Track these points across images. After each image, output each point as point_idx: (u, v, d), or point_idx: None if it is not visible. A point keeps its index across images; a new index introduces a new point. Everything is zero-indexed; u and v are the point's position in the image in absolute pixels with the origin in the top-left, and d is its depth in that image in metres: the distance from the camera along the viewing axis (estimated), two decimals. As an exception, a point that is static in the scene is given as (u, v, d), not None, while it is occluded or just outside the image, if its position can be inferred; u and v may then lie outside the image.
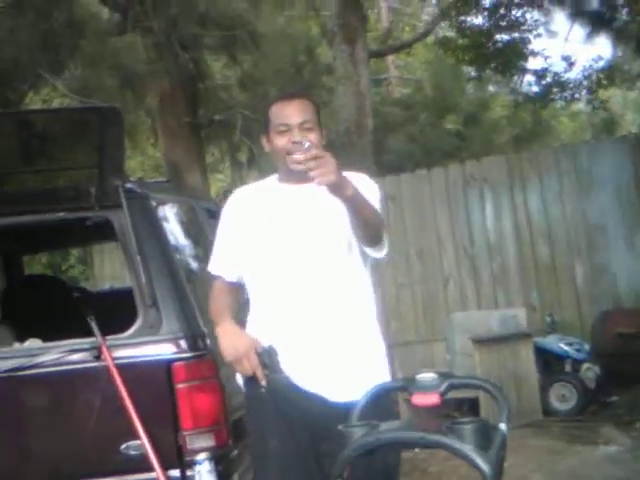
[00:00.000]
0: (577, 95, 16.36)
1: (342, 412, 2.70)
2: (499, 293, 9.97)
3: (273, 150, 3.07)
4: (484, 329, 8.41)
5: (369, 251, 3.02)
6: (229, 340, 3.03)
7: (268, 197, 3.11)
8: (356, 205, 2.82)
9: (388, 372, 3.08)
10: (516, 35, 14.92)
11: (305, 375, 2.96)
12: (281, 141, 3.00)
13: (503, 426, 2.29)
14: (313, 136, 2.99)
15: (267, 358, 2.96)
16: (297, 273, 2.99)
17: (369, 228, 2.93)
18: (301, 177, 2.99)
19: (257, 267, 3.07)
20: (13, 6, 8.95)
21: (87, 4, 10.80)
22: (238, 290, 3.20)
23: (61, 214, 4.05)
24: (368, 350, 3.05)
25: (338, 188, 2.74)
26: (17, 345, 4.13)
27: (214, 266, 3.20)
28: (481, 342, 8.00)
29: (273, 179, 3.17)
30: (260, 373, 2.95)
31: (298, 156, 2.90)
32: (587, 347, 8.50)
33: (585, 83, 15.99)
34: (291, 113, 3.02)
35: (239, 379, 3.13)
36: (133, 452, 3.70)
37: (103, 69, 9.48)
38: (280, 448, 2.96)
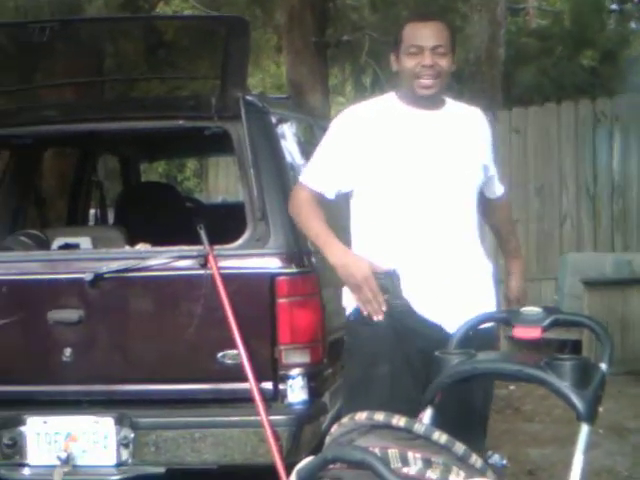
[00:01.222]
0: None
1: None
2: (617, 236, 9.73)
3: (401, 71, 3.02)
4: (596, 272, 8.28)
5: None
6: (345, 265, 2.97)
7: (394, 118, 3.05)
8: None
9: (495, 307, 3.08)
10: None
11: (425, 303, 2.95)
12: (411, 63, 2.95)
13: (604, 366, 2.25)
14: (444, 62, 2.96)
15: (390, 283, 2.93)
16: (428, 200, 2.97)
17: None
18: (425, 103, 3.01)
19: (380, 188, 3.02)
20: None
21: None
22: (327, 207, 3.16)
23: (180, 122, 4.08)
24: (483, 283, 3.06)
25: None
26: (127, 248, 4.24)
27: (311, 178, 3.13)
28: (592, 284, 7.90)
29: (393, 99, 3.11)
30: (380, 300, 2.90)
31: (426, 80, 2.92)
32: None
33: None
34: (425, 35, 2.96)
35: (346, 301, 3.11)
36: (229, 361, 3.78)
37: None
38: (392, 374, 2.94)
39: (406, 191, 2.98)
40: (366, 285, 2.90)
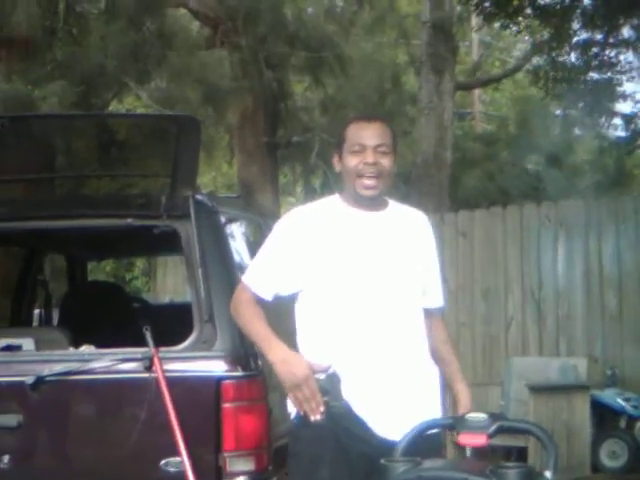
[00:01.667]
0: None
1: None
2: (562, 341, 9.77)
3: (343, 170, 3.04)
4: (542, 377, 8.34)
5: None
6: (286, 364, 2.94)
7: (336, 219, 3.06)
8: None
9: (441, 412, 3.04)
10: (608, 75, 14.76)
11: (365, 406, 2.91)
12: (354, 161, 2.98)
13: (549, 474, 2.27)
14: (386, 161, 2.98)
15: (329, 384, 2.90)
16: (369, 302, 2.95)
17: None
18: (367, 203, 3.02)
19: (322, 290, 3.01)
20: (106, 12, 9.16)
21: (179, 16, 11.05)
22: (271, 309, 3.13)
23: (129, 220, 4.06)
24: (427, 389, 3.03)
25: None
26: (71, 349, 4.13)
27: (252, 279, 3.11)
28: (537, 390, 7.93)
29: (337, 200, 3.12)
30: (319, 399, 2.87)
31: (368, 181, 2.94)
32: (645, 404, 8.36)
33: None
34: (369, 134, 3.00)
35: (290, 404, 3.05)
36: (172, 469, 3.68)
37: (188, 82, 9.65)
38: (333, 478, 2.90)
39: (347, 293, 2.96)
40: (305, 384, 2.88)
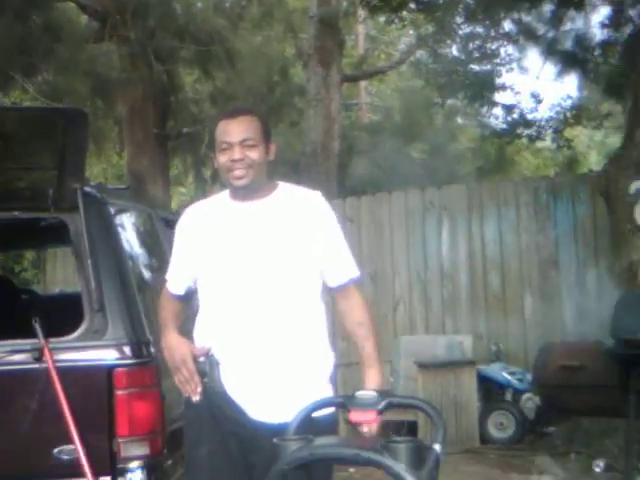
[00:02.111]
0: (543, 134, 16.62)
1: (270, 429, 2.79)
2: (447, 320, 10.05)
3: (218, 167, 3.12)
4: (429, 354, 8.53)
5: None
6: (169, 349, 3.13)
7: (219, 213, 3.15)
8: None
9: (331, 392, 3.10)
10: (488, 67, 15.15)
11: (237, 389, 3.01)
12: (223, 158, 3.04)
13: (438, 447, 2.29)
14: (254, 154, 3.03)
15: (209, 367, 3.03)
16: (246, 290, 3.02)
17: None
18: (244, 194, 3.10)
19: (206, 280, 3.12)
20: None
21: (66, 10, 10.88)
22: (184, 302, 3.28)
23: (15, 213, 4.07)
24: (310, 373, 3.06)
25: None
26: (-42, 342, 4.08)
27: (168, 277, 3.30)
28: (425, 367, 8.14)
29: (225, 195, 3.20)
30: (196, 380, 3.01)
31: (238, 172, 3.01)
32: (529, 377, 8.63)
33: (552, 121, 16.23)
34: (232, 130, 3.04)
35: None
36: (66, 457, 3.70)
37: (76, 75, 9.50)
38: (210, 456, 3.00)
39: (224, 282, 3.06)
40: (183, 366, 3.04)
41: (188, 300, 3.28)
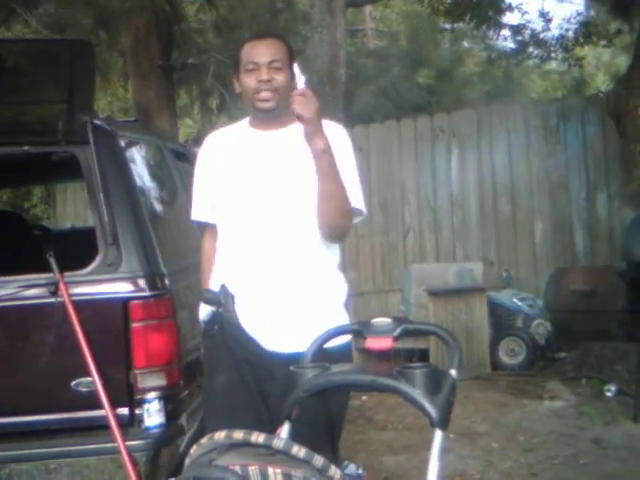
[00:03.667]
0: (553, 53, 16.40)
1: (284, 358, 2.80)
2: (458, 247, 10.12)
3: (242, 90, 3.05)
4: (440, 282, 8.57)
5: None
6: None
7: (239, 141, 3.11)
8: (324, 165, 2.84)
9: (347, 319, 3.07)
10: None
11: (252, 321, 3.00)
12: (249, 80, 2.99)
13: (454, 372, 2.28)
14: (281, 77, 2.98)
15: (222, 297, 3.03)
16: (262, 220, 2.99)
17: (332, 209, 2.90)
18: (266, 121, 3.05)
19: (223, 208, 3.09)
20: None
21: (61, -61, 10.67)
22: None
23: (25, 147, 4.02)
24: (324, 302, 3.05)
25: (312, 133, 2.80)
26: (-26, 279, 4.09)
27: (196, 213, 3.23)
28: (436, 294, 8.17)
29: (244, 123, 3.16)
30: None
31: (264, 94, 2.97)
32: (540, 303, 8.69)
33: (561, 41, 16.00)
34: (260, 52, 3.00)
35: (200, 316, 3.19)
36: (84, 389, 3.72)
37: (78, 6, 9.38)
38: (227, 384, 3.01)
39: (244, 213, 3.03)
40: None
41: None
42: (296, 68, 2.91)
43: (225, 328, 3.05)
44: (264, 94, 2.97)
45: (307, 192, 2.97)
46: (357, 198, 3.04)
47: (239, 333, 3.03)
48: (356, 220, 3.07)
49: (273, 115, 3.03)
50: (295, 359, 2.61)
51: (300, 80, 2.85)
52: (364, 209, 3.08)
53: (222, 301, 3.04)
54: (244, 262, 3.04)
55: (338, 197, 2.91)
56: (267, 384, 2.95)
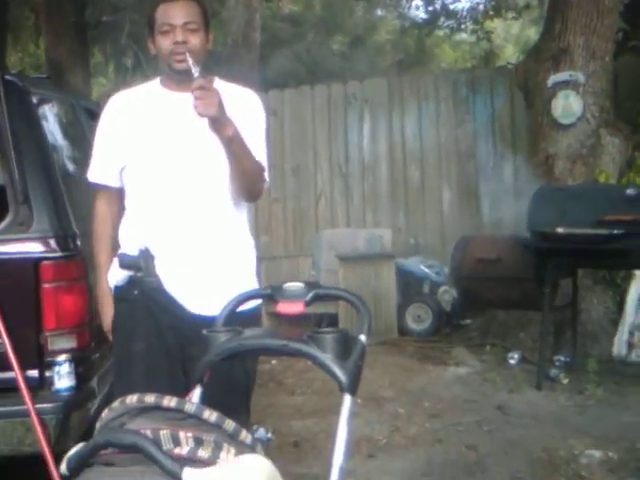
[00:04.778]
0: (463, 25, 16.61)
1: (209, 321, 2.73)
2: (368, 213, 10.20)
3: (157, 52, 3.02)
4: (350, 247, 8.65)
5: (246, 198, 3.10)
6: (100, 310, 3.23)
7: (150, 102, 3.08)
8: (234, 150, 2.88)
9: (256, 284, 3.10)
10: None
11: (174, 282, 2.99)
12: (164, 41, 2.96)
13: (363, 337, 2.29)
14: (196, 38, 2.98)
15: (142, 261, 2.99)
16: (178, 181, 2.98)
17: (246, 180, 2.99)
18: (179, 82, 3.02)
19: (135, 172, 3.05)
20: None
21: None
22: (121, 195, 3.17)
23: None
24: (238, 264, 3.08)
25: (218, 125, 2.82)
26: None
27: (94, 174, 3.17)
28: (346, 259, 8.27)
29: (155, 83, 3.13)
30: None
31: (180, 56, 2.93)
32: (447, 271, 8.82)
33: (471, 12, 16.21)
34: (175, 13, 2.96)
35: (111, 281, 3.14)
36: None
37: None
38: (147, 350, 2.99)
39: (158, 172, 3.01)
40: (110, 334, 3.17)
41: (121, 194, 3.18)
42: (189, 57, 2.90)
43: (146, 292, 3.01)
44: (179, 56, 2.95)
45: (218, 155, 2.98)
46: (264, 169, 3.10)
47: (162, 297, 3.00)
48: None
49: (188, 76, 2.98)
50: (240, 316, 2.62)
51: (195, 70, 2.83)
52: (267, 178, 3.12)
53: (142, 265, 3.00)
54: (161, 224, 3.01)
55: (250, 171, 2.98)
56: (192, 348, 2.89)
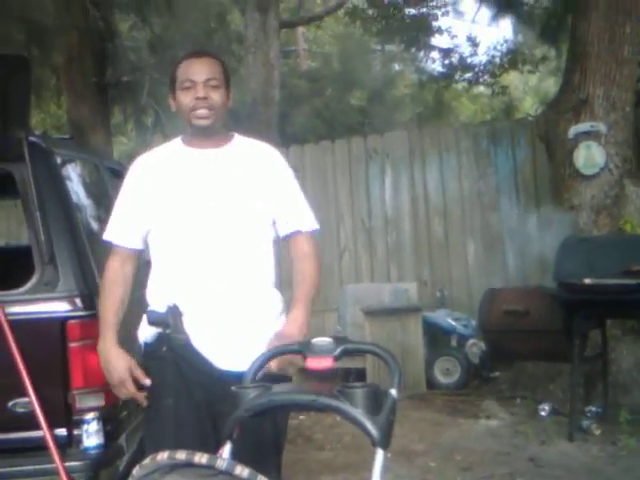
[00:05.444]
0: (480, 79, 16.72)
1: (237, 377, 2.70)
2: (392, 267, 10.15)
3: (178, 108, 3.06)
4: (375, 301, 8.58)
5: None
6: (107, 363, 3.06)
7: (173, 160, 3.10)
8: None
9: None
10: (424, 10, 15.16)
11: (202, 339, 2.98)
12: (186, 98, 3.01)
13: (394, 391, 2.28)
14: (217, 95, 3.02)
15: (171, 318, 2.98)
16: (207, 237, 2.99)
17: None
18: (202, 140, 3.06)
19: (161, 229, 3.06)
20: None
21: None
22: (136, 258, 3.19)
23: None
24: (266, 321, 3.06)
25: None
26: None
27: (112, 234, 3.16)
28: (372, 314, 8.18)
29: (178, 142, 3.16)
30: (139, 397, 3.03)
31: (201, 111, 2.98)
32: (474, 323, 8.75)
33: (488, 67, 16.34)
34: (197, 70, 3.03)
35: (140, 337, 3.12)
36: (21, 409, 3.69)
37: (10, 22, 9.27)
38: (176, 406, 2.97)
39: (182, 230, 3.02)
40: (122, 387, 3.04)
41: (137, 255, 3.19)
42: None
43: (175, 350, 3.00)
44: (201, 111, 2.99)
45: (245, 211, 3.02)
46: (309, 218, 3.20)
47: (190, 354, 2.99)
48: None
49: (209, 133, 3.06)
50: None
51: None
52: (316, 225, 3.22)
53: (170, 321, 2.99)
54: (189, 281, 3.01)
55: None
56: (220, 404, 2.85)
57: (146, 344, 3.11)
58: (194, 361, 2.98)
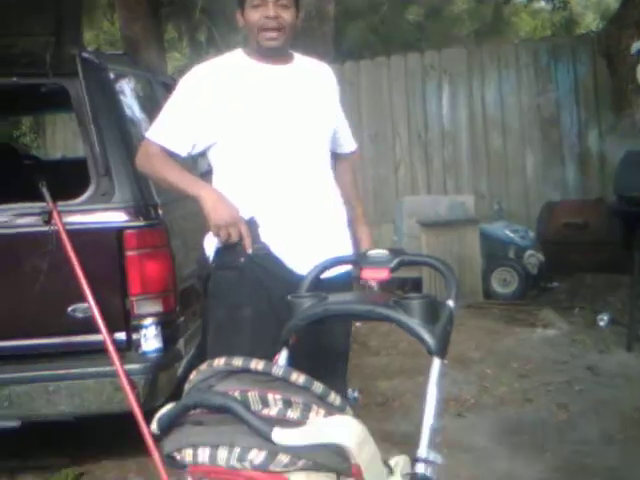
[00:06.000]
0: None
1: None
2: (449, 180, 10.12)
3: (246, 25, 3.00)
4: (432, 214, 8.53)
5: None
6: (221, 203, 2.89)
7: (244, 73, 3.03)
8: None
9: (352, 249, 3.11)
10: None
11: (283, 248, 2.96)
12: (255, 15, 2.94)
13: (451, 302, 2.26)
14: (287, 14, 2.94)
15: (252, 229, 2.93)
16: (282, 149, 2.99)
17: None
18: (274, 56, 3.01)
19: (237, 140, 3.00)
20: None
21: None
22: None
23: (14, 79, 4.03)
24: (339, 228, 3.09)
25: None
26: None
27: (162, 136, 2.99)
28: (428, 226, 8.16)
29: (241, 55, 3.08)
30: (249, 241, 2.88)
31: (271, 33, 2.91)
32: (532, 235, 8.70)
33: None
34: None
35: (208, 248, 3.06)
36: (80, 314, 3.81)
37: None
38: (256, 316, 2.93)
39: (261, 142, 2.99)
40: (235, 226, 2.88)
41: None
42: None
43: (255, 260, 2.94)
44: (270, 33, 2.93)
45: (320, 125, 3.07)
46: (351, 141, 3.35)
47: (274, 263, 2.95)
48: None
49: (277, 53, 3.01)
50: (331, 282, 2.63)
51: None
52: (355, 145, 3.40)
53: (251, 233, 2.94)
54: (269, 194, 2.98)
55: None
56: None
57: (218, 254, 3.03)
58: (275, 269, 2.95)
